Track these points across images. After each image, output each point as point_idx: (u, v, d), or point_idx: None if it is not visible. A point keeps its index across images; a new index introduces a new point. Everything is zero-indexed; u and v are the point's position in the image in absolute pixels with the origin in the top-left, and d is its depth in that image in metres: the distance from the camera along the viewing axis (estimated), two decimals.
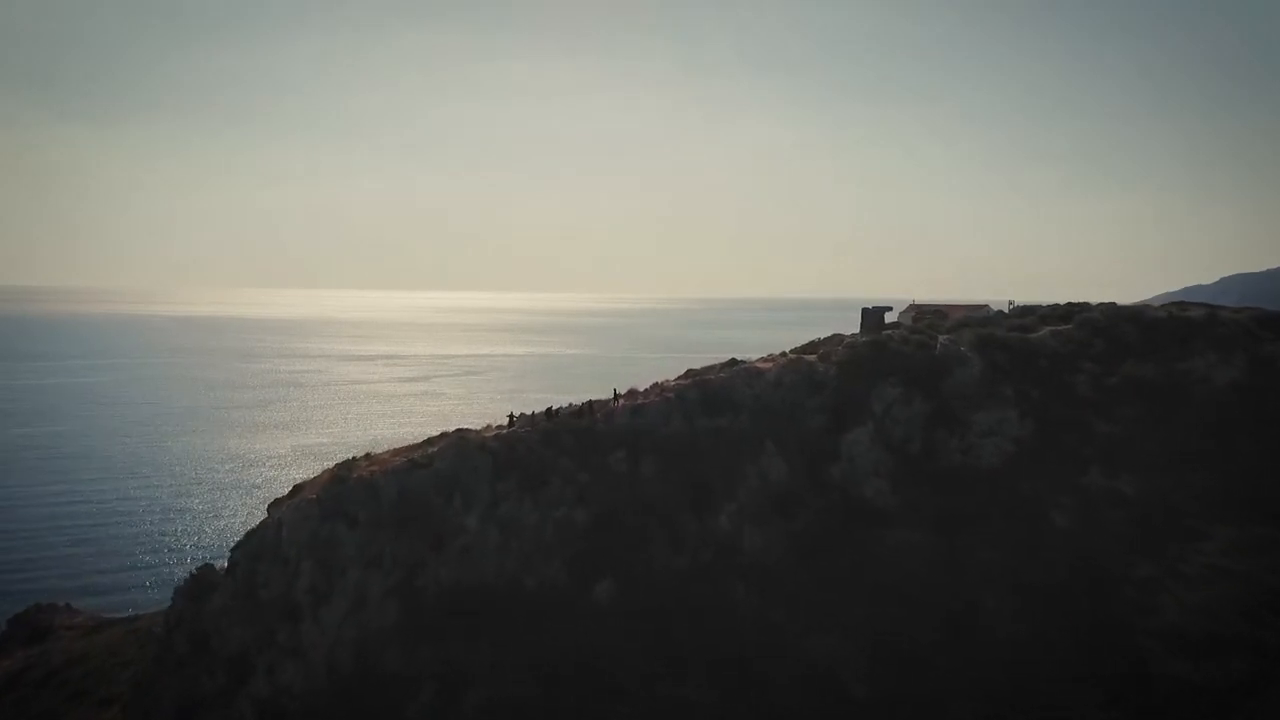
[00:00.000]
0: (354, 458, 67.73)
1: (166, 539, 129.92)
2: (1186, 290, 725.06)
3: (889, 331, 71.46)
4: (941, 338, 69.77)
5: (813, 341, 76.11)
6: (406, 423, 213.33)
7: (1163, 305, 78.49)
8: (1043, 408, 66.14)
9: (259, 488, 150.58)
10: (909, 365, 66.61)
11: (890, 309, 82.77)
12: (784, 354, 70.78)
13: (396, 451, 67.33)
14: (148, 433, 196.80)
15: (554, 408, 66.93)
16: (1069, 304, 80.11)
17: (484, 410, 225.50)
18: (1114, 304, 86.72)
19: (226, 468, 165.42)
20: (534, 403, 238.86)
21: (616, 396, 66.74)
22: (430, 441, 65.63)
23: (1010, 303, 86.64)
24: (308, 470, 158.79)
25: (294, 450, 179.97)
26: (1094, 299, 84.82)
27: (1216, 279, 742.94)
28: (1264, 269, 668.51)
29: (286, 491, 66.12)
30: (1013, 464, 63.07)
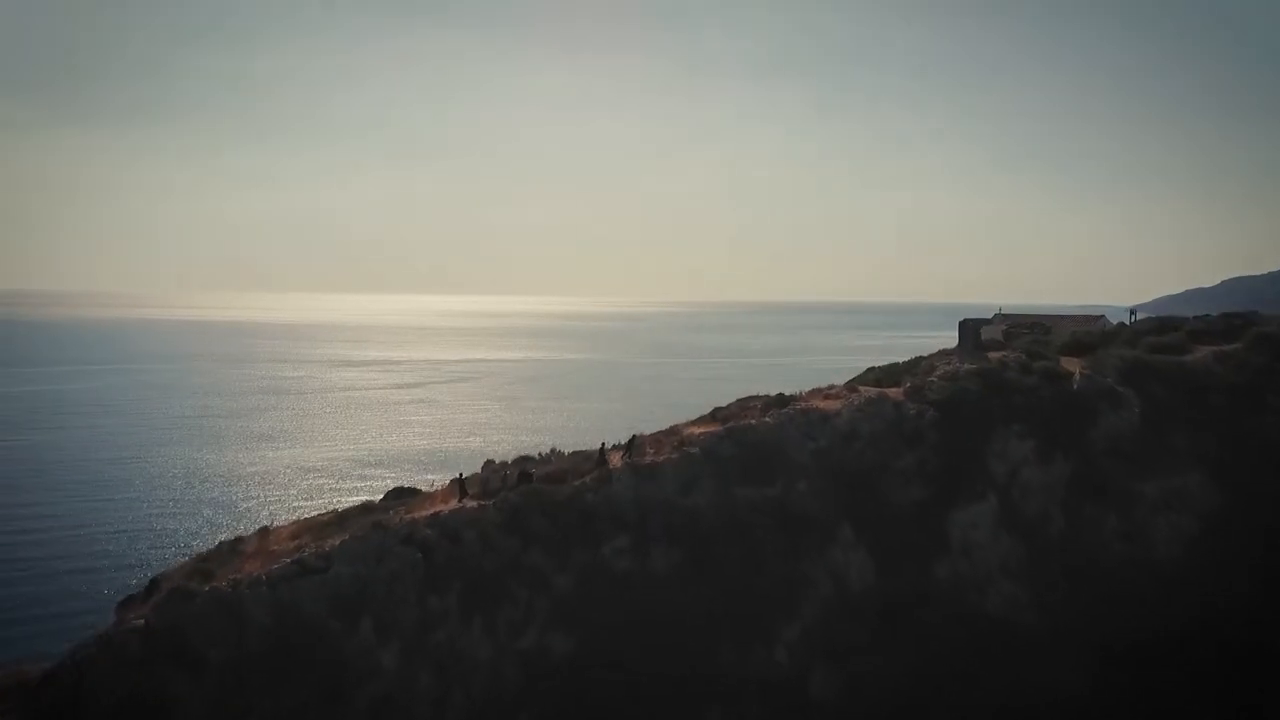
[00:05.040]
0: (238, 538, 47.20)
1: (126, 568, 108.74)
2: (1187, 294, 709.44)
3: (999, 355, 51.00)
4: (1079, 367, 49.32)
5: (891, 365, 55.75)
6: (398, 432, 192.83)
7: None
8: (1230, 466, 45.69)
9: (237, 507, 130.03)
10: (1037, 406, 46.12)
11: (989, 321, 62.20)
12: (851, 387, 50.21)
13: (306, 525, 46.92)
14: (124, 445, 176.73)
15: (530, 468, 46.31)
16: (1224, 314, 59.65)
17: (478, 419, 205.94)
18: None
19: (204, 484, 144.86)
20: (532, 410, 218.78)
21: (630, 447, 46.12)
22: (342, 517, 45.11)
23: (1131, 312, 66.18)
24: (296, 486, 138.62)
25: (278, 464, 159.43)
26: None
27: (1218, 281, 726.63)
28: (1266, 271, 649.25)
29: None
30: (1202, 554, 42.62)
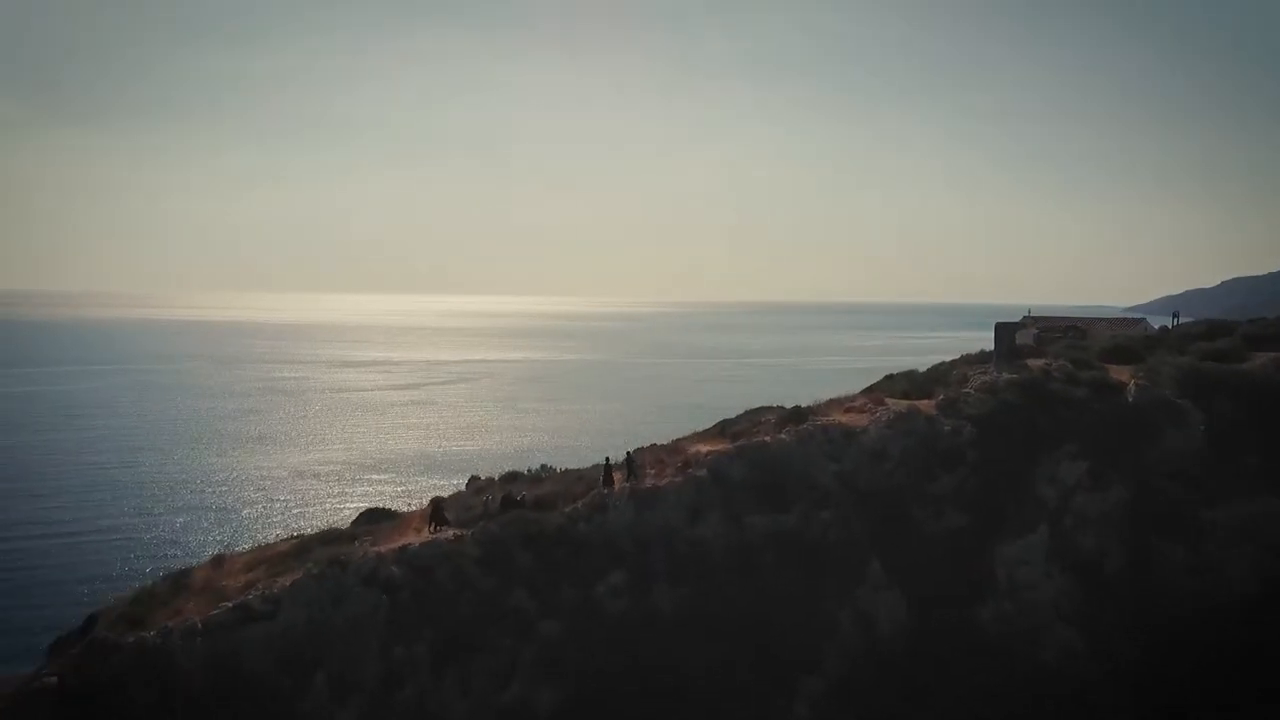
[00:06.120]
0: (184, 569, 41.85)
1: (103, 580, 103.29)
2: (1187, 294, 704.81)
3: (1041, 363, 45.65)
4: (1130, 376, 43.99)
5: (911, 372, 50.45)
6: (394, 434, 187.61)
7: None
8: None
9: (224, 513, 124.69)
10: (1089, 422, 40.79)
11: (1027, 327, 56.71)
12: (875, 398, 44.76)
13: (263, 554, 41.64)
14: (117, 448, 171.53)
15: (516, 492, 40.84)
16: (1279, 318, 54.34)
17: (475, 421, 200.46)
18: None
19: (193, 489, 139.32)
20: (529, 412, 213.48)
21: (608, 467, 40.67)
22: (302, 547, 39.72)
23: (1174, 314, 60.81)
24: (285, 490, 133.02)
25: (270, 468, 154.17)
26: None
27: (1218, 282, 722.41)
28: (1266, 271, 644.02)
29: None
30: None
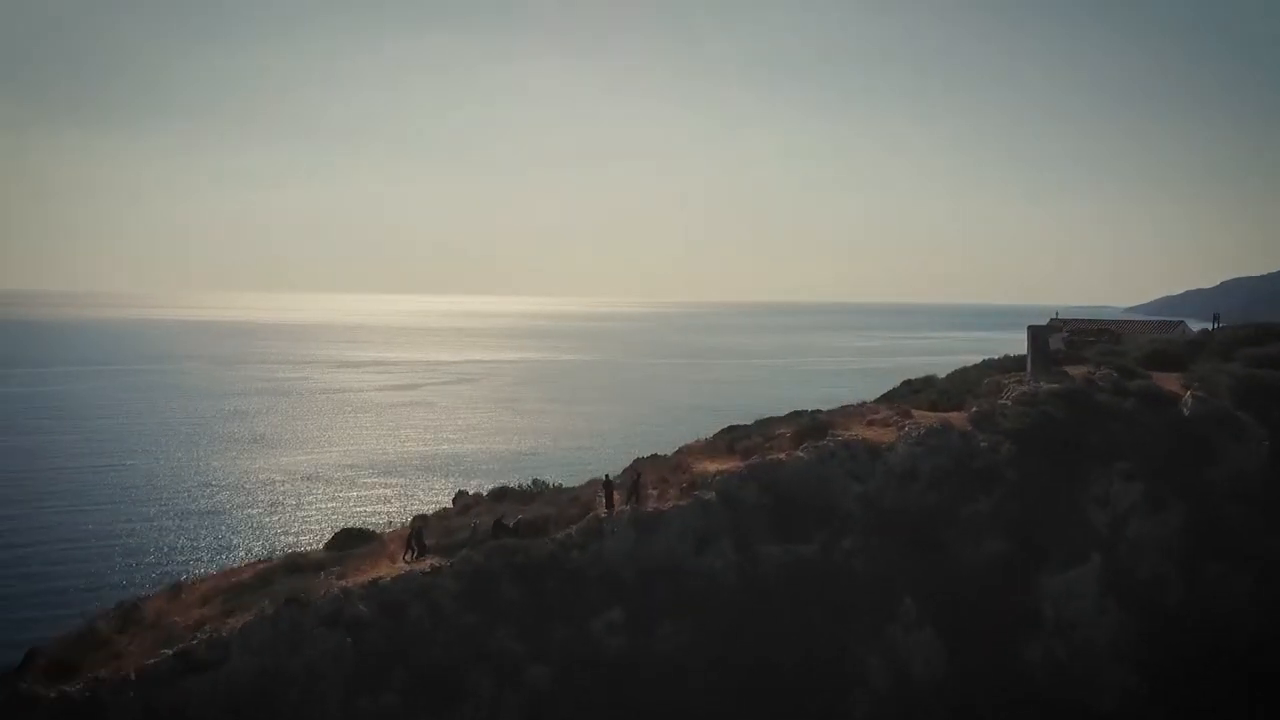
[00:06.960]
0: (136, 603, 37.65)
1: (86, 589, 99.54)
2: (1186, 295, 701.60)
3: (1082, 370, 41.50)
4: (1182, 386, 39.89)
5: (930, 378, 46.36)
6: (392, 436, 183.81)
7: None
8: None
9: (217, 514, 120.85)
10: (1140, 437, 36.68)
11: (1057, 330, 52.51)
12: (900, 409, 40.55)
13: (222, 583, 37.59)
14: (112, 449, 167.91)
15: (506, 516, 36.60)
16: None
17: (475, 422, 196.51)
18: None
19: (188, 492, 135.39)
20: (528, 413, 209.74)
21: (609, 486, 36.44)
22: (264, 578, 35.59)
23: (1215, 318, 56.65)
24: (274, 493, 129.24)
25: (266, 469, 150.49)
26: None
27: (1217, 283, 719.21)
28: (1265, 272, 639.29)
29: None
30: None
